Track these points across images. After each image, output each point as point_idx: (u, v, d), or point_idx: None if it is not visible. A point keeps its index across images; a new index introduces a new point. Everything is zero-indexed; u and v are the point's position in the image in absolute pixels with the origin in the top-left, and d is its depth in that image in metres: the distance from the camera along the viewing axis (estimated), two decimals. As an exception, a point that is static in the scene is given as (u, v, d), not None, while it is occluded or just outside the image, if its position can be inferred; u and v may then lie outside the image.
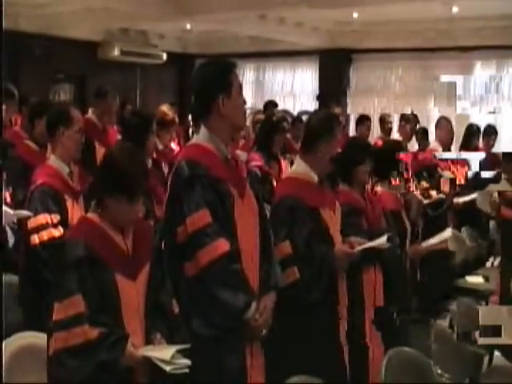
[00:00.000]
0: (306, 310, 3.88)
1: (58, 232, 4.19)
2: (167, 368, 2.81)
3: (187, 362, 2.87)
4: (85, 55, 12.85)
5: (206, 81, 3.46)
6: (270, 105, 9.49)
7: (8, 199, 3.82)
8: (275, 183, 5.73)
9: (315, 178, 4.03)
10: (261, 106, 10.60)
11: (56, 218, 4.21)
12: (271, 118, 6.37)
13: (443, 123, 8.63)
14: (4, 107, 9.22)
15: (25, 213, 3.79)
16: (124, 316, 2.96)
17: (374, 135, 9.83)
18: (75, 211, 4.33)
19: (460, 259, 7.38)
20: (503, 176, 6.80)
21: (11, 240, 3.68)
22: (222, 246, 3.29)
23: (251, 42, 13.66)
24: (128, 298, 2.98)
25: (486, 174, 8.02)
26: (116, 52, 12.95)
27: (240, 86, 3.52)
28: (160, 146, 5.97)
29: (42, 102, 5.95)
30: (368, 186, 4.95)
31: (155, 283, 3.13)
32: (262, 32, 12.43)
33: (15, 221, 3.75)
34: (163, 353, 2.87)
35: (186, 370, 2.86)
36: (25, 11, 11.54)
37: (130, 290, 3.00)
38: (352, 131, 11.08)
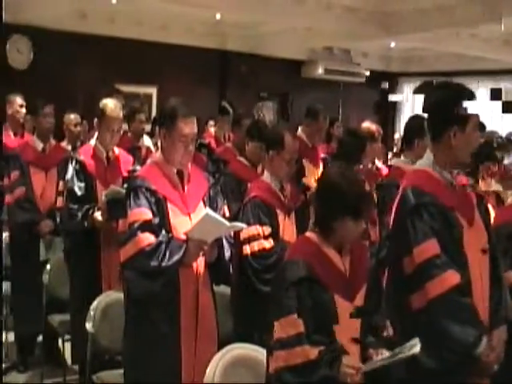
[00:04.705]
0: None
1: (268, 244, 4.32)
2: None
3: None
4: (289, 74, 13.16)
5: (442, 108, 3.31)
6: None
7: (227, 213, 3.95)
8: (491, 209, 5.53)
9: None
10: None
11: (267, 229, 4.35)
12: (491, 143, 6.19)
13: None
14: (212, 122, 9.71)
15: (240, 225, 3.90)
16: (341, 337, 2.96)
17: None
18: (286, 225, 4.44)
19: None
20: None
21: (227, 253, 3.80)
22: (452, 278, 3.15)
23: (454, 60, 13.33)
24: (345, 318, 2.99)
25: None
26: (320, 70, 13.16)
27: (477, 121, 3.31)
28: (370, 165, 5.96)
29: (258, 122, 6.12)
30: None
31: (371, 306, 3.12)
32: (468, 49, 12.09)
33: (232, 234, 3.87)
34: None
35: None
36: (233, 32, 12.03)
37: (347, 310, 3.00)
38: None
